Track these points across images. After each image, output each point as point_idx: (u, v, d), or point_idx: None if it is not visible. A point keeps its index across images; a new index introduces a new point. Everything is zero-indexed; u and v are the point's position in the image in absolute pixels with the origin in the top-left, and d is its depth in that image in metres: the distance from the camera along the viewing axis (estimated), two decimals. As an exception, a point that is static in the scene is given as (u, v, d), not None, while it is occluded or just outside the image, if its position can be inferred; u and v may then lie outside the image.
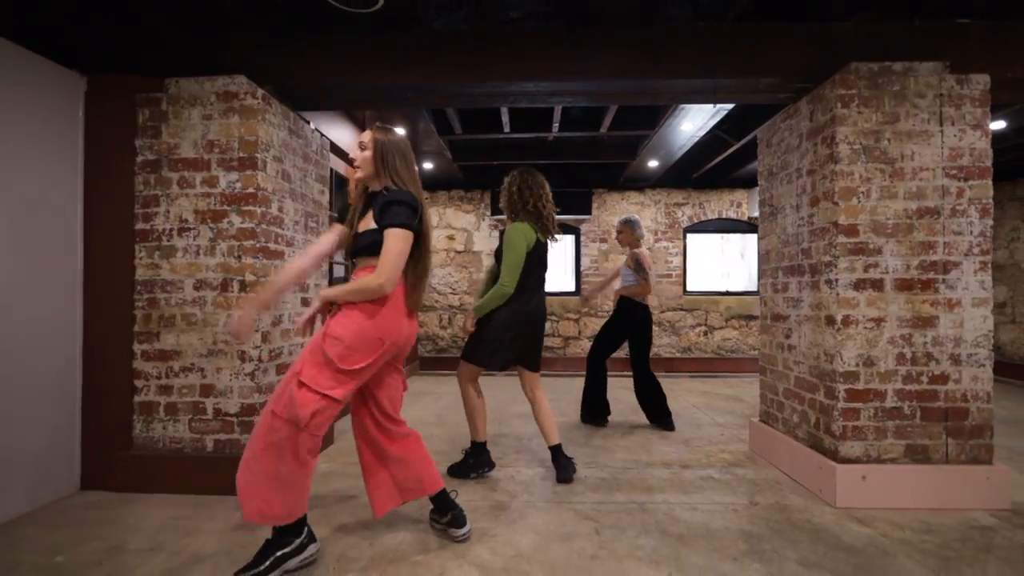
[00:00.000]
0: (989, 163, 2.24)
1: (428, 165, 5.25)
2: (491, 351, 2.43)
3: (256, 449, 1.56)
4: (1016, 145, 4.46)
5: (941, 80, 2.26)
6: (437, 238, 6.14)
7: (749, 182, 5.87)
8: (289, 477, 1.57)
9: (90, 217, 2.38)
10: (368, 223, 1.74)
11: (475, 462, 2.54)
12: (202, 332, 2.35)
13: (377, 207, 1.71)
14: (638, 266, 3.50)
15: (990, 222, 2.24)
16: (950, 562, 1.76)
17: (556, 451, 2.52)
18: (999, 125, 3.99)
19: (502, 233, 2.85)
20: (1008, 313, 5.52)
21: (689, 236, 6.17)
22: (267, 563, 1.59)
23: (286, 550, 1.62)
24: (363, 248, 1.72)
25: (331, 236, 1.83)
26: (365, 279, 1.65)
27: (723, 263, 6.19)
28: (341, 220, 1.90)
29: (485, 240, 6.14)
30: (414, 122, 4.01)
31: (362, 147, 1.77)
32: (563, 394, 4.66)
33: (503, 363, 2.46)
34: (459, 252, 6.14)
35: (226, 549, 1.82)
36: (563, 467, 2.50)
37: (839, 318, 2.24)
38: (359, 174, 1.79)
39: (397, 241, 1.64)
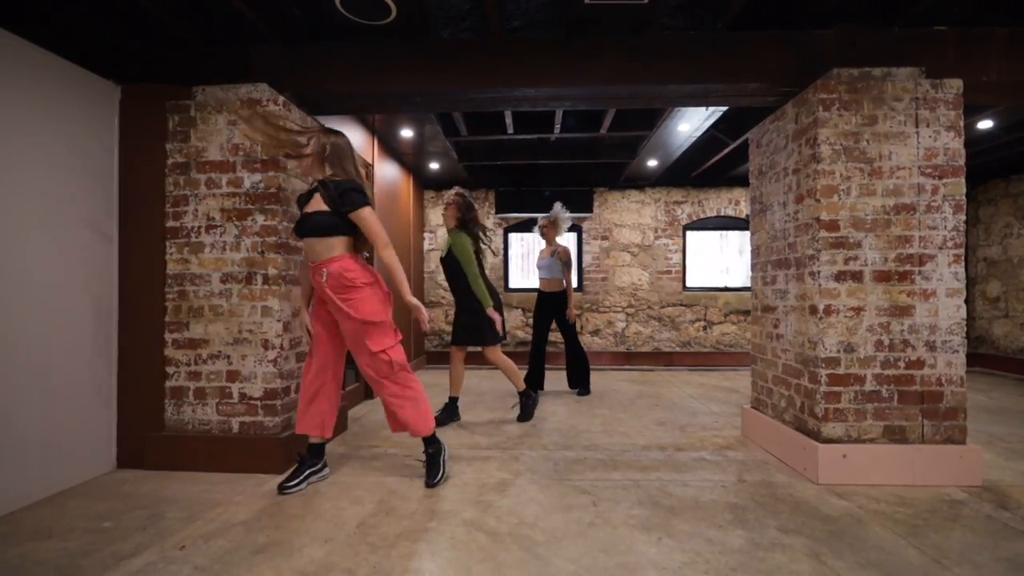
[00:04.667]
0: (962, 162, 2.39)
1: (435, 165, 5.42)
2: (493, 332, 3.36)
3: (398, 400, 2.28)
4: (1006, 143, 4.59)
5: (917, 84, 2.41)
6: (442, 236, 6.32)
7: (747, 180, 6.01)
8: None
9: (124, 215, 2.57)
10: (315, 205, 2.21)
11: (529, 402, 3.52)
12: (228, 322, 2.53)
13: (327, 194, 2.18)
14: (568, 260, 4.26)
15: (963, 217, 2.39)
16: (918, 529, 1.92)
17: (453, 401, 3.52)
18: (987, 124, 4.12)
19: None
20: (1001, 308, 5.64)
21: (688, 233, 6.32)
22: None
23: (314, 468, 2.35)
24: (313, 230, 2.19)
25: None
26: (391, 257, 2.21)
27: (722, 260, 6.34)
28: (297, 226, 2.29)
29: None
30: (421, 125, 4.18)
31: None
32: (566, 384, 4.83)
33: (499, 337, 3.39)
34: (464, 250, 6.31)
35: (255, 517, 2.01)
36: (449, 415, 3.47)
37: (821, 308, 2.40)
38: (304, 172, 2.36)
39: (373, 215, 2.22)
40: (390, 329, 2.26)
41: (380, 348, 2.20)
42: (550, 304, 4.33)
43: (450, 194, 3.43)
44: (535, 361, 4.34)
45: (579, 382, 4.46)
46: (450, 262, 3.41)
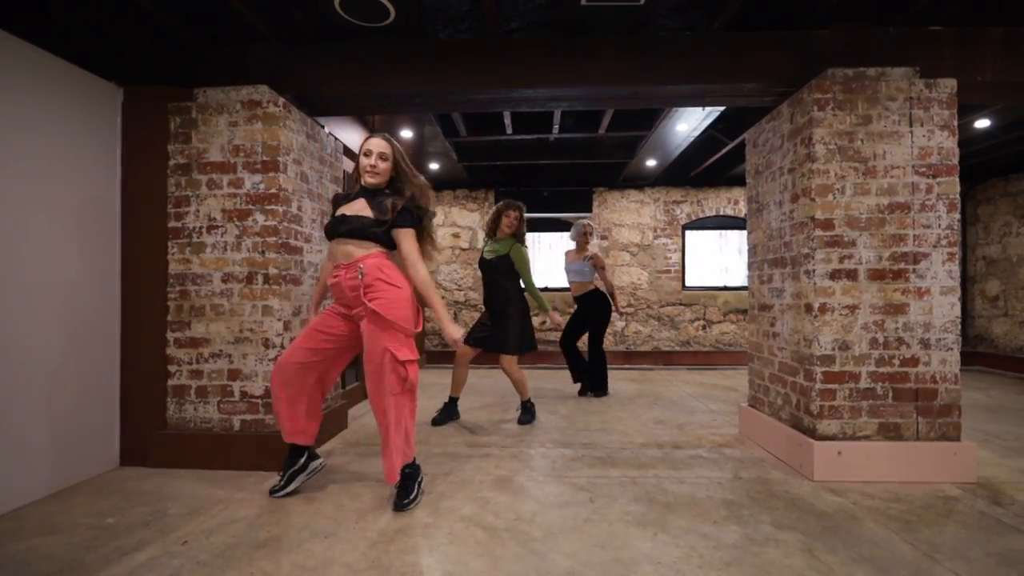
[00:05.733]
0: (956, 161, 2.41)
1: (434, 166, 5.45)
2: (517, 343, 3.38)
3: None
4: (1005, 142, 4.60)
5: (911, 84, 2.43)
6: (443, 236, 6.35)
7: (745, 180, 6.02)
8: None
9: (127, 216, 2.60)
10: (358, 209, 2.12)
11: (532, 408, 3.53)
12: (229, 321, 2.56)
13: (387, 206, 2.09)
14: (603, 265, 4.36)
15: (957, 216, 2.41)
16: (911, 524, 1.94)
17: (453, 402, 3.52)
18: (985, 123, 4.13)
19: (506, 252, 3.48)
20: (1001, 306, 5.65)
21: (688, 233, 6.34)
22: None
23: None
24: (348, 232, 2.08)
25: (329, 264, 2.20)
26: (424, 274, 2.13)
27: (721, 259, 6.36)
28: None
29: (489, 238, 6.34)
30: (421, 125, 4.21)
31: (383, 158, 2.14)
32: (569, 384, 4.85)
33: (522, 348, 3.41)
34: (464, 250, 6.34)
35: (256, 513, 2.03)
36: (448, 415, 3.48)
37: (816, 306, 2.42)
38: (375, 180, 2.14)
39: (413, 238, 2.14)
40: (414, 345, 2.13)
41: (405, 359, 2.04)
42: (580, 305, 4.38)
43: (510, 208, 3.42)
44: (573, 360, 4.41)
45: (598, 383, 4.43)
46: (496, 267, 3.41)
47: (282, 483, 2.22)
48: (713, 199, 6.25)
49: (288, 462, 2.26)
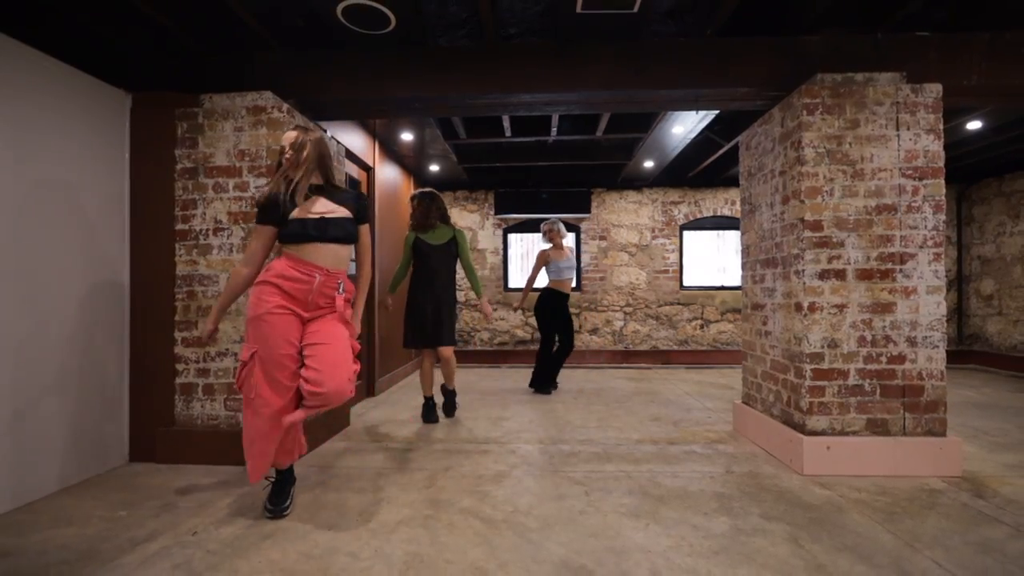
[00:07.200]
0: (941, 164, 2.47)
1: (435, 167, 5.52)
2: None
3: None
4: (998, 143, 4.66)
5: (898, 89, 2.49)
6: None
7: (743, 181, 6.09)
8: None
9: (135, 219, 2.68)
10: (329, 210, 1.97)
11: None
12: (235, 321, 2.63)
13: (351, 202, 2.04)
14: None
15: (943, 217, 2.48)
16: (895, 515, 2.00)
17: (429, 400, 3.56)
18: (976, 125, 4.19)
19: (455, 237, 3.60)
20: (995, 305, 5.71)
21: (685, 233, 6.40)
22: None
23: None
24: (342, 237, 1.99)
25: (267, 241, 1.98)
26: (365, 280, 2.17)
27: (719, 259, 6.42)
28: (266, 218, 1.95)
29: (490, 238, 6.41)
30: (421, 128, 4.27)
31: (295, 148, 1.95)
32: (568, 382, 4.92)
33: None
34: (464, 250, 6.41)
35: (263, 506, 2.10)
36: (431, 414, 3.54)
37: (806, 305, 2.49)
38: (298, 174, 1.94)
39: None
40: None
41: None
42: (561, 302, 4.47)
43: (422, 192, 3.50)
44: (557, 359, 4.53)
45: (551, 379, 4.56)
46: (442, 254, 3.48)
47: (288, 503, 2.06)
48: (710, 200, 6.31)
49: (291, 479, 2.12)
